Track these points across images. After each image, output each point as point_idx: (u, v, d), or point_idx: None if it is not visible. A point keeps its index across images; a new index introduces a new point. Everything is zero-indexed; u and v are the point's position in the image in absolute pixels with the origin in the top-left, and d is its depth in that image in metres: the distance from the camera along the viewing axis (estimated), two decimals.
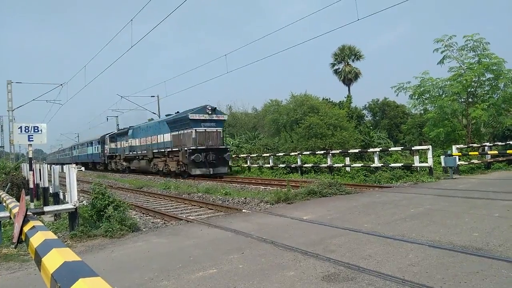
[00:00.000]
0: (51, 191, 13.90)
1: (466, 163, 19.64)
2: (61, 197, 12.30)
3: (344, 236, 7.24)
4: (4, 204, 6.70)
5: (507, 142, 22.58)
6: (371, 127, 42.54)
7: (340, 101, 44.83)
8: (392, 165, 19.54)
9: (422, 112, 29.49)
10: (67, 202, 9.06)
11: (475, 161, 20.31)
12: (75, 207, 8.39)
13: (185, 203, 14.71)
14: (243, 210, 11.43)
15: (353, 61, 34.40)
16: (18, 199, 5.56)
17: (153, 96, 43.12)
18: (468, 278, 4.67)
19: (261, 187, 17.45)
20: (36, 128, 11.65)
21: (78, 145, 62.91)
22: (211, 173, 25.40)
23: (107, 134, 45.23)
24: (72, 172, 8.63)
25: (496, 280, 4.55)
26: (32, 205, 13.14)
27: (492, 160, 20.45)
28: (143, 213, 13.01)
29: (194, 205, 14.03)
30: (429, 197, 10.79)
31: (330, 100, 45.54)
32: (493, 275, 4.72)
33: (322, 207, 10.69)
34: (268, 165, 27.57)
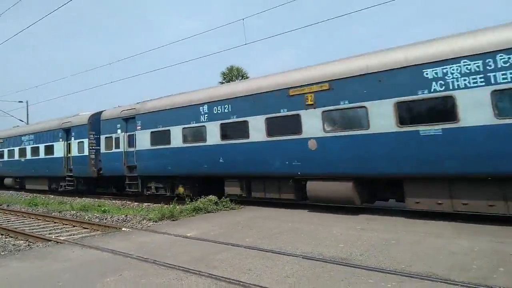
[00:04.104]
0: None
1: None
2: None
3: (226, 251, 7.37)
4: None
5: None
6: None
7: None
8: None
9: None
10: None
11: None
12: None
13: (55, 222, 13.26)
14: (123, 229, 10.78)
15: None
16: None
17: (21, 102, 37.91)
18: (334, 286, 5.19)
19: (145, 204, 16.71)
20: None
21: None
22: None
23: None
24: None
25: (358, 286, 5.14)
26: None
27: None
28: (2, 234, 11.30)
29: (66, 224, 12.73)
30: (305, 212, 11.67)
31: None
32: (355, 282, 5.33)
33: (207, 223, 10.72)
34: None
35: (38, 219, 14.17)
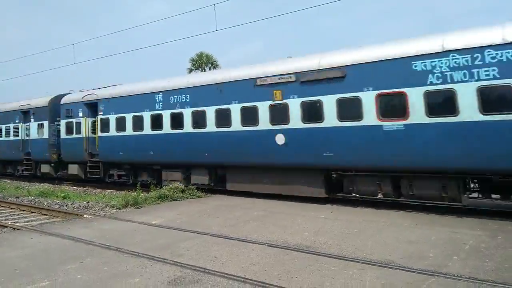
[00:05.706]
0: None
1: None
2: None
3: (192, 239, 7.34)
4: None
5: None
6: None
7: None
8: None
9: None
10: None
11: None
12: None
13: (12, 208, 12.68)
14: (85, 216, 10.48)
15: (209, 68, 35.39)
16: None
17: None
18: (299, 273, 5.30)
19: (107, 190, 16.29)
20: None
21: None
22: None
23: None
24: None
25: (321, 273, 5.28)
26: None
27: None
28: None
29: (24, 210, 12.21)
30: (272, 201, 11.77)
31: None
32: (318, 269, 5.46)
33: (173, 211, 10.61)
34: None
35: None
